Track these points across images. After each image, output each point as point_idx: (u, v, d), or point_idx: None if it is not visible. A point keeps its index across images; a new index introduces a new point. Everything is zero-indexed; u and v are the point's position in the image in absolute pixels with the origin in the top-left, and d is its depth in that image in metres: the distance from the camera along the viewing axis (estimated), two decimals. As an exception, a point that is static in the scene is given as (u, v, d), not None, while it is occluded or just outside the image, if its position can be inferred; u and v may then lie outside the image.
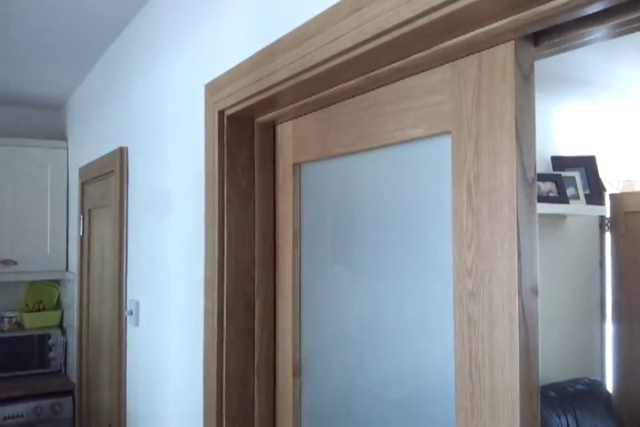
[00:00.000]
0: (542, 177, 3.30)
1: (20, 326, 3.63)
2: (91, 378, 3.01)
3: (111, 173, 2.54)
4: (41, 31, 2.45)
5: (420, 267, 1.07)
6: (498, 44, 0.87)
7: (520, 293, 0.84)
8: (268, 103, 1.35)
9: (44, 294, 3.84)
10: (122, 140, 2.46)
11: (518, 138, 0.86)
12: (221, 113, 1.47)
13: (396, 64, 1.01)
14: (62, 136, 3.87)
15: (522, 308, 0.84)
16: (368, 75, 1.08)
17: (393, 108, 1.09)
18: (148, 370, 2.07)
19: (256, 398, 1.46)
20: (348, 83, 1.13)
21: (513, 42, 0.85)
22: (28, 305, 3.74)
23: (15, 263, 3.48)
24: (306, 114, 1.39)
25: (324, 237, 1.38)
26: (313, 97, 1.26)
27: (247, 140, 1.50)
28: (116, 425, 2.37)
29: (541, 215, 3.34)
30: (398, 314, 1.14)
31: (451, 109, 0.96)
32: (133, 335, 2.26)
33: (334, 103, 1.28)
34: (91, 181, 2.99)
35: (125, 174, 2.35)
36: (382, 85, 1.13)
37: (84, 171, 3.09)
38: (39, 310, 3.69)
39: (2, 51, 2.72)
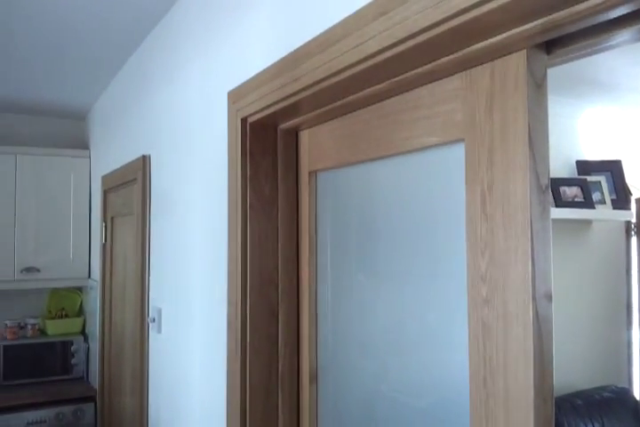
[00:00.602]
0: (568, 182, 3.25)
1: (42, 332, 3.66)
2: (113, 384, 3.01)
3: (134, 181, 2.55)
4: (63, 40, 2.48)
5: (435, 274, 1.07)
6: (510, 53, 0.88)
7: (534, 299, 0.84)
8: (292, 110, 1.34)
9: (67, 301, 3.86)
10: (144, 148, 2.48)
11: (531, 146, 0.86)
12: (244, 120, 1.46)
13: (419, 70, 1.01)
14: (85, 145, 3.91)
15: (536, 314, 0.84)
16: (392, 80, 1.06)
17: (407, 117, 1.10)
18: (171, 378, 2.07)
19: (280, 407, 1.44)
20: (372, 88, 1.12)
21: (525, 51, 0.86)
22: (50, 312, 3.77)
23: (38, 271, 3.51)
24: (326, 121, 1.38)
25: (340, 244, 1.38)
26: (337, 103, 1.24)
27: (270, 147, 1.49)
28: (139, 433, 2.37)
29: (567, 221, 3.30)
30: (414, 321, 1.13)
31: (464, 118, 0.97)
32: (156, 342, 2.26)
33: (353, 111, 1.28)
34: (113, 190, 3.01)
35: (148, 182, 2.36)
36: (398, 94, 1.14)
37: (106, 179, 3.11)
38: (62, 317, 3.72)
39: (24, 60, 2.76)
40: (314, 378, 1.44)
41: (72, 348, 3.58)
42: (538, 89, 0.87)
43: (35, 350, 3.49)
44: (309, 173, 1.47)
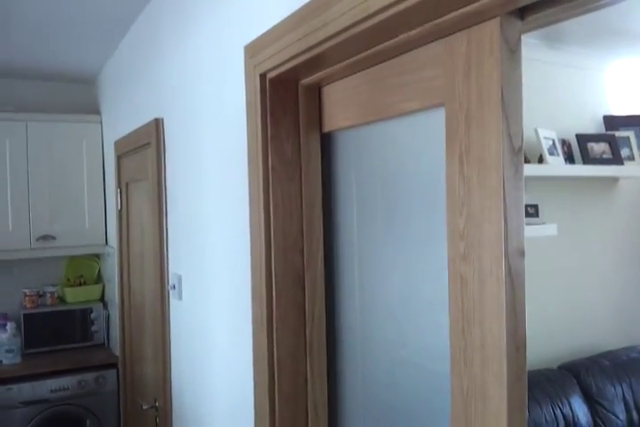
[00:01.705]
0: (595, 138, 3.13)
1: (61, 300, 3.65)
2: (134, 351, 3.01)
3: (147, 146, 2.48)
4: (69, 2, 2.37)
5: (422, 233, 1.14)
6: (485, 21, 0.90)
7: (506, 254, 0.89)
8: (314, 63, 1.25)
9: (85, 268, 3.85)
10: (157, 111, 2.39)
11: (504, 109, 0.89)
12: (263, 76, 1.37)
13: (402, 37, 1.03)
14: (96, 110, 3.82)
15: (508, 268, 0.89)
16: (433, 22, 0.97)
17: (394, 82, 1.14)
18: (194, 345, 2.04)
19: (309, 377, 1.40)
20: (407, 34, 1.02)
21: (499, 18, 0.88)
22: (69, 280, 3.76)
23: (54, 239, 3.48)
24: (348, 76, 1.29)
25: (359, 205, 1.34)
26: (364, 53, 1.15)
27: (291, 105, 1.40)
28: (162, 400, 2.36)
29: (595, 178, 3.19)
30: (405, 279, 1.20)
31: (444, 83, 1.00)
32: (176, 309, 2.22)
33: (375, 64, 1.19)
34: (126, 155, 2.93)
35: (162, 146, 2.28)
36: (385, 60, 1.16)
37: (119, 144, 3.03)
38: (80, 285, 3.71)
39: (31, 24, 2.65)
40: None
41: (92, 315, 3.58)
42: (512, 54, 0.90)
43: (55, 318, 3.49)
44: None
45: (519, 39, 0.90)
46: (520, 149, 0.91)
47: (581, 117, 3.27)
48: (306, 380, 1.41)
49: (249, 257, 1.48)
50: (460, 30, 0.96)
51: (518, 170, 0.91)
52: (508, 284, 0.89)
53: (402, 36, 1.03)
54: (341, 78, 1.32)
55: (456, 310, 0.98)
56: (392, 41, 1.06)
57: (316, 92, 1.41)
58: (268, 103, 1.38)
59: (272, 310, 1.39)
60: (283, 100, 1.39)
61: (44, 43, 2.99)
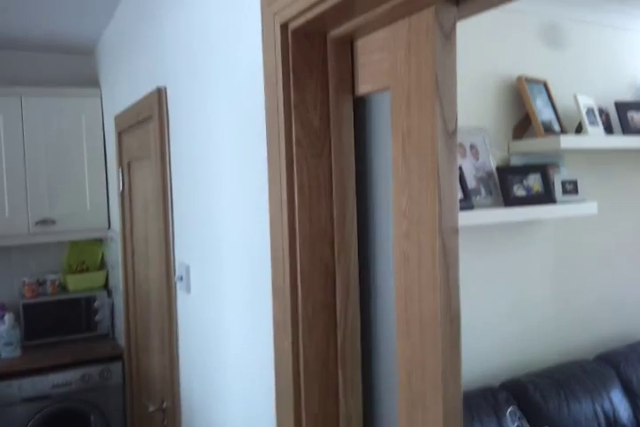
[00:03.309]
0: (636, 106, 2.85)
1: (63, 288, 3.44)
2: (140, 344, 2.80)
3: (149, 119, 2.23)
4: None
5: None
6: (423, 9, 0.93)
7: (440, 232, 0.93)
8: (347, 7, 0.99)
9: (87, 253, 3.63)
10: (159, 79, 2.13)
11: (438, 93, 0.92)
12: (284, 26, 1.11)
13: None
14: (95, 83, 3.56)
15: (442, 246, 0.94)
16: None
17: (359, 61, 1.14)
18: (204, 343, 1.81)
19: (341, 392, 1.16)
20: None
21: (434, 6, 0.91)
22: (70, 266, 3.54)
23: (54, 222, 3.26)
24: (386, 25, 1.04)
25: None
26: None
27: (319, 62, 1.15)
28: (170, 402, 2.15)
29: (635, 151, 2.91)
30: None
31: (389, 67, 1.03)
32: (185, 303, 1.99)
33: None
34: (128, 130, 2.69)
35: (165, 119, 2.03)
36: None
37: (119, 119, 2.79)
38: (82, 271, 3.49)
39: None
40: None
41: (95, 304, 3.38)
42: (446, 40, 0.93)
43: (56, 307, 3.28)
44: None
45: (454, 25, 0.94)
46: (454, 132, 0.95)
47: (618, 83, 2.99)
48: (337, 394, 1.18)
49: (269, 248, 1.24)
50: (402, 17, 0.98)
51: (452, 152, 0.95)
52: (442, 260, 0.94)
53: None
54: (380, 28, 1.06)
55: (400, 285, 1.02)
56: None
57: (349, 46, 1.16)
58: (290, 61, 1.12)
59: (297, 312, 1.15)
60: (308, 56, 1.13)
61: (37, 10, 2.72)
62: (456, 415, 0.97)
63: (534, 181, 2.45)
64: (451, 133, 0.94)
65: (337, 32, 1.11)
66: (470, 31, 2.40)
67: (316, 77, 1.14)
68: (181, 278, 1.97)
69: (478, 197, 2.31)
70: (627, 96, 2.99)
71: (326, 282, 1.17)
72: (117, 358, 3.14)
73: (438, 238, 0.93)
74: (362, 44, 1.12)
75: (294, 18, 1.08)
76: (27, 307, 3.19)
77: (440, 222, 0.93)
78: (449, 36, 0.93)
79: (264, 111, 1.22)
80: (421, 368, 0.99)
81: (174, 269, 2.06)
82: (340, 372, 1.17)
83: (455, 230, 0.95)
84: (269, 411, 1.31)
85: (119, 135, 2.84)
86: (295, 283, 1.13)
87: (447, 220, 0.94)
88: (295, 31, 1.11)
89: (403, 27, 0.99)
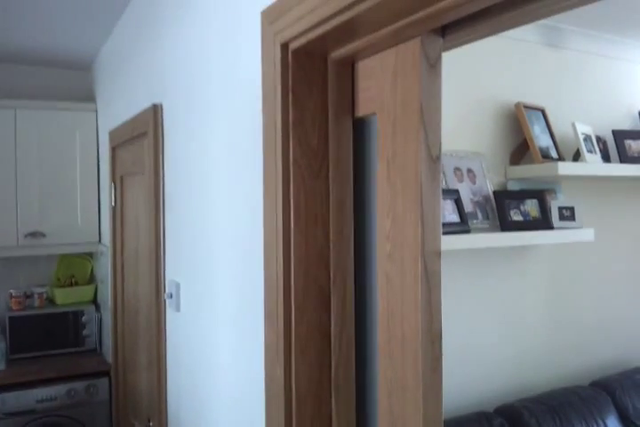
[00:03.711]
0: (632, 135, 2.86)
1: (51, 301, 3.39)
2: (127, 360, 2.75)
3: (144, 135, 2.21)
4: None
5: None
6: (410, 39, 0.97)
7: (423, 255, 0.96)
8: (349, 28, 0.98)
9: (77, 267, 3.58)
10: (155, 96, 2.12)
11: (423, 120, 0.95)
12: (285, 46, 1.10)
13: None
14: (91, 98, 3.55)
15: (424, 268, 0.96)
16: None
17: (359, 83, 1.15)
18: (193, 364, 1.78)
19: (334, 421, 1.13)
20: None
21: (420, 37, 0.95)
22: (59, 280, 3.49)
23: (44, 235, 3.22)
24: (387, 48, 1.04)
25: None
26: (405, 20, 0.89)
27: (319, 83, 1.14)
28: (156, 421, 2.10)
29: (632, 178, 2.92)
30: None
31: (377, 93, 1.07)
32: (174, 322, 1.96)
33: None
34: (122, 146, 2.67)
35: (160, 135, 2.02)
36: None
37: (114, 134, 2.77)
38: (71, 285, 3.44)
39: (24, 7, 2.38)
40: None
41: (83, 318, 3.32)
42: (431, 69, 0.97)
43: (43, 320, 3.23)
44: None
45: (439, 55, 0.97)
46: (438, 157, 0.97)
47: (616, 112, 3.01)
48: (330, 421, 1.15)
49: (262, 270, 1.21)
50: (390, 47, 1.02)
51: (435, 177, 0.97)
52: (424, 282, 0.96)
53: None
54: (381, 50, 1.05)
55: (383, 306, 1.04)
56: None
57: (349, 67, 1.15)
58: (290, 80, 1.11)
59: (290, 336, 1.12)
60: (308, 76, 1.12)
61: (35, 24, 2.71)
62: None
63: (531, 207, 2.44)
64: (435, 159, 0.97)
65: (338, 53, 1.10)
66: (470, 57, 2.41)
67: (316, 97, 1.13)
68: (171, 296, 1.93)
69: (475, 221, 2.30)
70: (624, 125, 3.00)
71: (321, 306, 1.14)
72: (104, 373, 3.08)
73: (420, 261, 0.95)
74: (361, 67, 1.11)
75: (295, 38, 1.07)
76: (13, 320, 3.14)
77: (423, 245, 0.95)
78: (434, 66, 0.97)
79: (262, 130, 1.21)
80: (402, 389, 1.00)
81: (164, 286, 2.03)
82: (333, 399, 1.14)
83: (438, 254, 0.97)
84: (259, 436, 1.28)
85: (113, 150, 2.82)
86: (289, 306, 1.11)
87: (430, 243, 0.96)
88: (296, 51, 1.10)
89: (389, 56, 1.03)
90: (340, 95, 1.14)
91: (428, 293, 0.96)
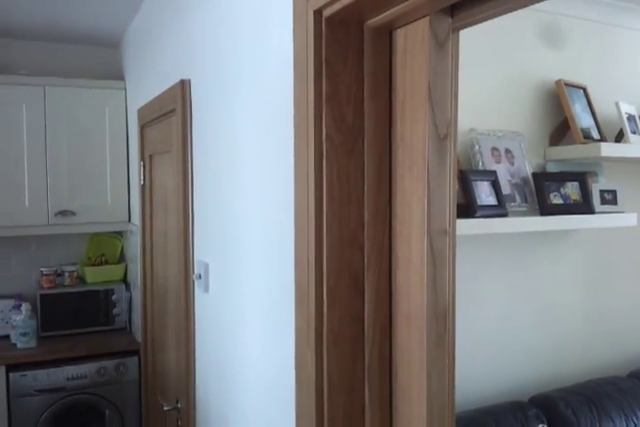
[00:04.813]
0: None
1: (81, 280, 3.40)
2: (156, 340, 2.74)
3: (172, 113, 2.16)
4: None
5: None
6: (419, 18, 0.96)
7: (429, 233, 0.96)
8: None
9: (107, 246, 3.58)
10: (184, 71, 2.06)
11: (431, 100, 0.95)
12: (318, 13, 1.03)
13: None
14: (120, 76, 3.51)
15: (430, 246, 0.96)
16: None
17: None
18: (222, 345, 1.74)
19: (367, 409, 1.08)
20: None
21: (429, 16, 0.94)
22: (89, 258, 3.50)
23: (74, 214, 3.21)
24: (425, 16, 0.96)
25: None
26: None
27: (354, 54, 1.06)
28: (184, 402, 2.08)
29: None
30: None
31: (388, 74, 1.07)
32: (202, 302, 1.93)
33: None
34: (150, 124, 2.62)
35: (188, 112, 1.96)
36: None
37: (142, 112, 2.73)
38: (101, 264, 3.45)
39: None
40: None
41: (113, 297, 3.32)
42: (440, 48, 0.96)
43: (74, 299, 3.24)
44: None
45: (448, 35, 0.97)
46: (446, 136, 0.97)
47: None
48: (363, 412, 1.10)
49: (292, 253, 1.16)
50: (399, 27, 1.02)
51: (443, 156, 0.98)
52: (430, 260, 0.97)
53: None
54: (420, 18, 0.97)
55: (393, 283, 1.07)
56: None
57: (387, 36, 1.07)
58: (323, 51, 1.04)
59: (322, 322, 1.07)
60: (343, 46, 1.05)
61: (65, 1, 2.67)
62: (442, 413, 1.00)
63: (572, 190, 2.33)
64: (442, 138, 0.97)
65: (374, 21, 1.03)
66: (509, 34, 2.29)
67: (351, 69, 1.06)
68: (200, 277, 1.90)
69: (513, 204, 2.21)
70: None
71: (355, 291, 1.08)
72: (134, 352, 3.08)
73: (426, 239, 0.97)
74: (400, 35, 1.03)
75: (329, 4, 0.99)
76: (44, 297, 3.15)
77: (429, 224, 0.97)
78: (443, 45, 0.96)
79: (293, 105, 1.14)
80: (408, 364, 1.03)
81: (193, 267, 1.99)
82: (366, 387, 1.09)
83: (444, 232, 0.98)
84: (290, 423, 1.23)
85: (142, 128, 2.78)
86: (320, 291, 1.05)
87: (436, 222, 0.97)
88: (329, 18, 1.03)
89: (400, 36, 1.03)
90: (376, 66, 1.06)
91: (433, 270, 0.98)
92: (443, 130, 0.97)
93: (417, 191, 0.98)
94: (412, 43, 0.99)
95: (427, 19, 0.95)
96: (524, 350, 2.39)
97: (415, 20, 0.98)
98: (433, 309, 0.97)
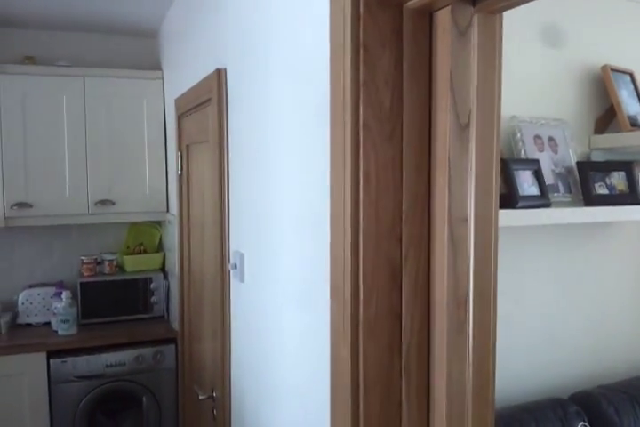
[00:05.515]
0: None
1: (120, 269, 3.44)
2: (193, 329, 2.76)
3: (208, 102, 2.15)
4: None
5: None
6: (442, 8, 0.97)
7: (449, 220, 0.98)
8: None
9: (145, 235, 3.62)
10: (219, 60, 2.04)
11: (452, 88, 0.96)
12: (356, -5, 0.99)
13: None
14: (157, 66, 3.52)
15: (450, 233, 0.99)
16: None
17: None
18: (257, 336, 1.73)
19: (404, 404, 1.05)
20: None
21: (451, 5, 0.95)
22: (128, 247, 3.54)
23: (113, 204, 3.25)
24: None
25: None
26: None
27: (392, 36, 1.02)
28: (220, 392, 2.08)
29: None
30: None
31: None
32: (238, 292, 1.92)
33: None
34: (187, 114, 2.62)
35: (224, 102, 1.94)
36: None
37: (179, 102, 2.72)
38: (140, 253, 3.48)
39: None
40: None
41: (151, 285, 3.36)
42: (461, 37, 0.97)
43: (113, 287, 3.28)
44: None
45: (469, 23, 0.97)
46: (467, 125, 0.97)
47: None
48: (400, 407, 1.06)
49: (328, 245, 1.13)
50: (439, 9, 0.99)
51: (464, 145, 0.98)
52: (450, 247, 0.98)
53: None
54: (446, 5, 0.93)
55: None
56: None
57: (427, 18, 1.02)
58: (361, 34, 1.00)
59: (358, 316, 1.04)
60: (381, 28, 1.01)
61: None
62: (460, 400, 1.02)
63: (618, 180, 2.24)
64: (463, 126, 0.97)
65: (414, 2, 0.98)
66: (554, 18, 2.21)
67: (389, 53, 1.02)
68: (235, 266, 1.89)
69: (556, 195, 2.13)
70: None
71: (392, 284, 1.05)
72: (171, 341, 3.11)
73: (447, 227, 0.98)
74: (441, 16, 0.99)
75: (367, -15, 0.95)
76: (84, 285, 3.20)
77: (450, 211, 0.98)
78: (464, 34, 0.97)
79: (329, 91, 1.11)
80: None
81: (228, 257, 1.98)
82: (403, 383, 1.05)
83: (465, 219, 0.99)
84: (325, 422, 1.21)
85: (179, 118, 2.78)
86: (357, 285, 1.02)
87: (456, 209, 0.99)
88: (367, 0, 0.98)
89: (424, 23, 1.02)
90: (416, 50, 1.02)
91: (453, 257, 0.99)
92: (464, 119, 0.97)
93: (439, 179, 1.01)
94: (435, 30, 1.01)
95: (448, 8, 0.96)
96: (565, 346, 2.32)
97: (439, 9, 0.98)
98: (453, 296, 1.00)
